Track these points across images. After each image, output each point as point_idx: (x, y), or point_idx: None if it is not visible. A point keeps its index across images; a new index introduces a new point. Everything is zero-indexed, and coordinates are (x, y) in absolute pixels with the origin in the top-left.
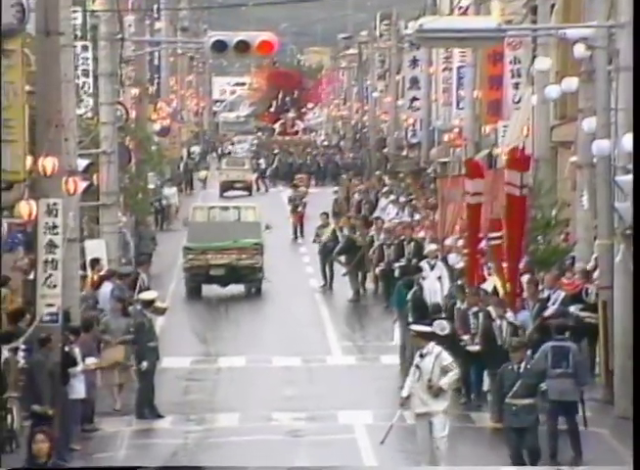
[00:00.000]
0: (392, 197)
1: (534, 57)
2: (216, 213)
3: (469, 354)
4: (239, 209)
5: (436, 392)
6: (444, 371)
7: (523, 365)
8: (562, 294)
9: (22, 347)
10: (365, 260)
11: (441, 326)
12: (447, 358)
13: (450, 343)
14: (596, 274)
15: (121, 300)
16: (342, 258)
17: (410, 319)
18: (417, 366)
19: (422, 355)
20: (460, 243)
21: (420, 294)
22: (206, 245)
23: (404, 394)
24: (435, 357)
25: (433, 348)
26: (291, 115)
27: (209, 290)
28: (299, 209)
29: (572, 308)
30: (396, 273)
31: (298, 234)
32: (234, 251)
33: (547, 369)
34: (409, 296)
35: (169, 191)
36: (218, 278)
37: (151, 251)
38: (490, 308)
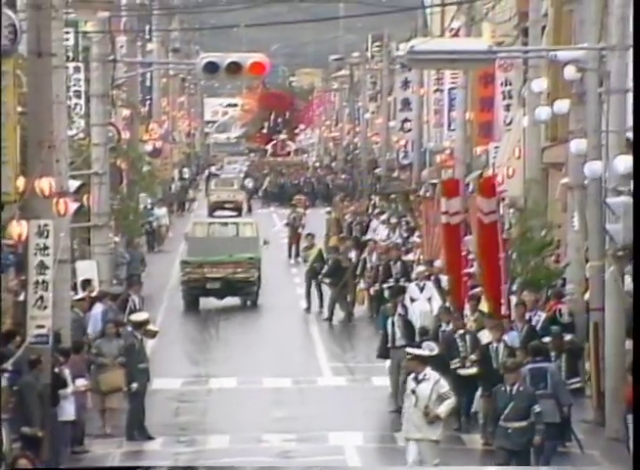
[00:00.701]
0: (383, 217)
1: (525, 79)
2: (216, 229)
3: (459, 378)
4: (237, 224)
5: (433, 419)
6: (441, 399)
7: (515, 387)
8: (542, 315)
9: (9, 368)
10: (349, 282)
11: (430, 347)
12: (445, 386)
13: (440, 366)
14: (587, 296)
15: (115, 322)
16: (328, 281)
17: (396, 342)
18: (413, 391)
19: (418, 381)
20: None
21: (405, 315)
22: (203, 259)
23: (403, 420)
24: (434, 384)
25: (429, 373)
26: (282, 136)
27: (205, 303)
28: (299, 230)
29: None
30: (386, 294)
31: (293, 254)
32: (230, 264)
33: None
34: (395, 318)
35: (160, 212)
36: (215, 291)
37: (140, 272)
38: (481, 331)
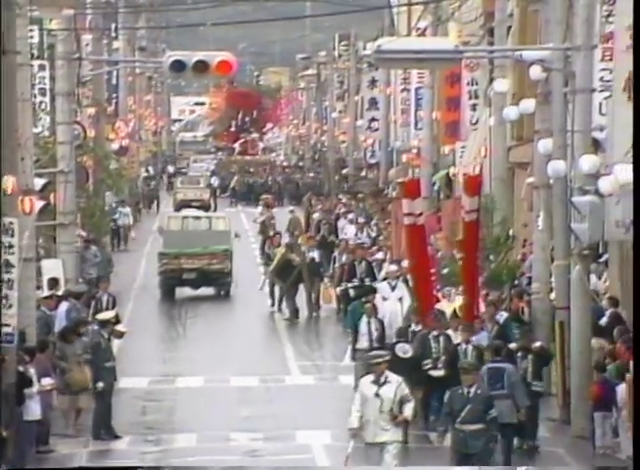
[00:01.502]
0: (351, 217)
1: (492, 78)
2: (189, 222)
3: (430, 379)
4: (210, 218)
5: (400, 423)
6: (403, 401)
7: (473, 390)
8: (504, 315)
9: None
10: (305, 280)
11: (404, 349)
12: (406, 388)
13: (411, 367)
14: (553, 295)
15: (78, 322)
16: (277, 278)
17: (373, 343)
18: (377, 394)
19: (379, 384)
20: None
21: (374, 316)
22: (179, 251)
23: (355, 424)
24: (397, 386)
25: (391, 376)
26: (250, 135)
27: (177, 295)
28: (271, 231)
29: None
30: (351, 294)
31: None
32: (205, 256)
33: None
34: (371, 318)
35: (123, 211)
36: (190, 281)
37: (108, 273)
38: (450, 332)
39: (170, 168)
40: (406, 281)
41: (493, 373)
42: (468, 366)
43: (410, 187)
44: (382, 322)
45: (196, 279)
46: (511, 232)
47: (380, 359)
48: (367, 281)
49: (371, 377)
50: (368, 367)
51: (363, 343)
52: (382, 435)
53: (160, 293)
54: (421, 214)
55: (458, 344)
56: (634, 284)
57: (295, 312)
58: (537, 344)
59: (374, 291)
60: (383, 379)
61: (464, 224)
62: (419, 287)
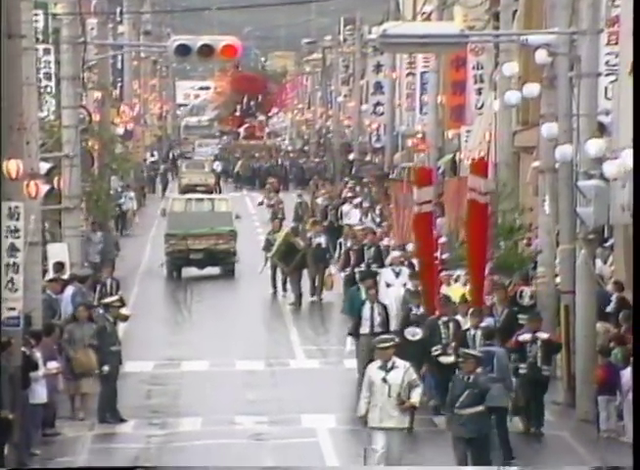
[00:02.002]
0: (356, 202)
1: (497, 63)
2: (193, 204)
3: (439, 365)
4: (212, 200)
5: (408, 408)
6: (410, 386)
7: (473, 376)
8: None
9: None
10: (310, 266)
11: (413, 332)
12: (414, 374)
13: (420, 351)
14: (558, 279)
15: (86, 305)
16: (281, 263)
17: (375, 329)
18: (384, 380)
19: (386, 369)
20: None
21: (376, 301)
22: (187, 231)
23: (364, 411)
24: (405, 372)
25: (398, 361)
26: (255, 119)
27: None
28: (279, 216)
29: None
30: (357, 279)
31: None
32: (212, 237)
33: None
34: (374, 304)
35: (128, 195)
36: (197, 261)
37: (113, 257)
38: (459, 318)
39: (174, 153)
40: (411, 266)
41: (484, 357)
42: (466, 354)
43: (422, 175)
44: (385, 307)
45: (202, 259)
46: (518, 220)
47: (388, 344)
48: (374, 267)
49: (378, 362)
50: (371, 353)
51: (365, 328)
52: (388, 420)
53: (167, 273)
54: (430, 202)
55: (467, 329)
56: (634, 268)
57: (299, 297)
58: (544, 335)
59: (375, 275)
60: (390, 364)
61: (476, 206)
62: (425, 273)
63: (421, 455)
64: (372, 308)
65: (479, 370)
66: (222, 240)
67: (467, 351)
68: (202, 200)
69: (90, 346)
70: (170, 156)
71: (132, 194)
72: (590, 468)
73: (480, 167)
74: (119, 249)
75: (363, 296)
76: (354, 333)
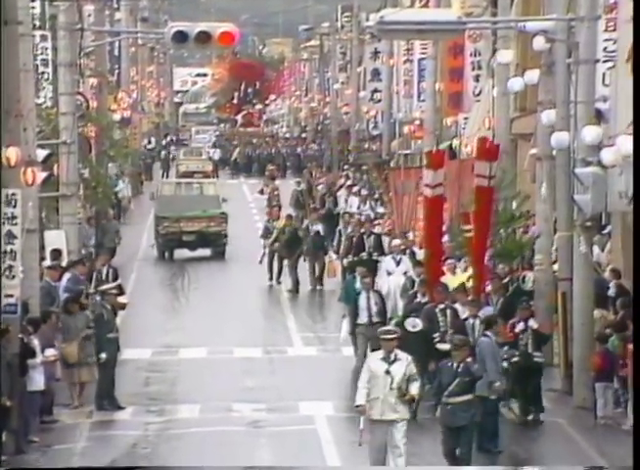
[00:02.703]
0: (355, 189)
1: (495, 49)
2: (182, 188)
3: (438, 352)
4: (201, 184)
5: (408, 400)
6: (410, 380)
7: (462, 364)
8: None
9: None
10: (309, 253)
11: (413, 323)
12: (414, 367)
13: (421, 341)
14: (555, 266)
15: (77, 293)
16: (285, 251)
17: (372, 318)
18: (387, 372)
19: (389, 361)
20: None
21: (379, 290)
22: (179, 214)
23: (362, 401)
24: (407, 365)
25: (400, 353)
26: (253, 106)
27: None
28: (275, 202)
29: None
30: (350, 267)
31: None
32: (204, 219)
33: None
34: (370, 293)
35: (122, 184)
36: (189, 243)
37: (115, 245)
38: (458, 306)
39: (171, 139)
40: (412, 254)
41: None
42: (459, 342)
43: (436, 157)
44: (381, 296)
45: (194, 241)
46: (517, 208)
47: (392, 335)
48: (375, 255)
49: (380, 354)
50: (368, 342)
51: (363, 318)
52: (390, 413)
53: (158, 254)
54: (439, 185)
55: (466, 318)
56: (634, 255)
57: (296, 284)
58: (535, 325)
59: (375, 263)
60: (393, 356)
61: (479, 191)
62: (431, 259)
63: (417, 445)
64: (368, 298)
65: (469, 359)
66: (214, 222)
67: (461, 337)
68: (190, 183)
69: (84, 337)
70: (167, 142)
71: (126, 181)
72: (590, 468)
73: (487, 151)
74: (121, 237)
75: (358, 285)
76: (351, 322)
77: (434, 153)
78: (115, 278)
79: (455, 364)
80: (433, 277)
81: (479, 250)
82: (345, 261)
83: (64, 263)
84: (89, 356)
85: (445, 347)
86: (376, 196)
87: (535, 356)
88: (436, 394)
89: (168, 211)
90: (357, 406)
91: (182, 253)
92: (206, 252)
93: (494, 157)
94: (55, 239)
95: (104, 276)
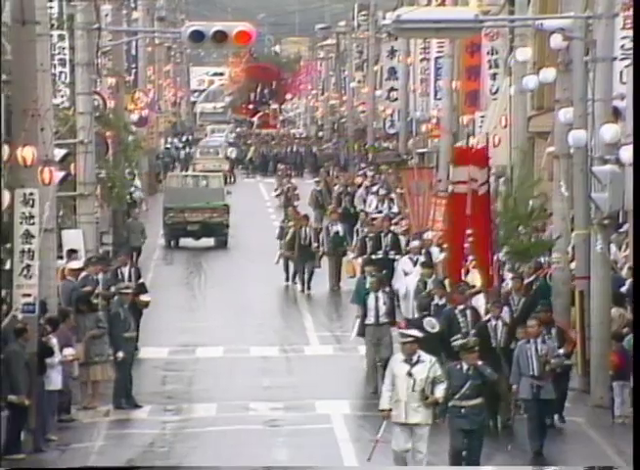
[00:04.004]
0: (374, 189)
1: (512, 48)
2: (189, 181)
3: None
4: (207, 177)
5: (432, 404)
6: (435, 382)
7: (473, 367)
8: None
9: None
10: (327, 253)
11: (431, 324)
12: (439, 369)
13: (439, 342)
14: (573, 265)
15: (86, 293)
16: (290, 252)
17: (380, 319)
18: (409, 374)
19: (412, 363)
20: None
21: (390, 291)
22: (184, 205)
23: (387, 405)
24: (430, 366)
25: (424, 355)
26: (269, 107)
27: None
28: (293, 202)
29: None
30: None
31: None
32: (207, 210)
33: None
34: (379, 293)
35: (136, 184)
36: (193, 232)
37: (141, 244)
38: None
39: (185, 139)
40: (429, 254)
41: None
42: (473, 344)
43: (460, 153)
44: (391, 297)
45: (198, 230)
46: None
47: (407, 339)
48: (392, 254)
49: (402, 356)
50: (377, 343)
51: (370, 318)
52: (414, 416)
53: (165, 242)
54: (463, 183)
55: (488, 320)
56: (634, 256)
57: (303, 283)
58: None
59: (392, 262)
60: (415, 358)
61: (474, 198)
62: (452, 259)
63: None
64: (377, 298)
65: (479, 362)
66: (216, 213)
67: (474, 339)
68: (197, 176)
69: (92, 336)
70: (183, 141)
71: (138, 182)
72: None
73: (478, 157)
74: (146, 236)
75: (367, 285)
76: (360, 323)
77: (460, 149)
78: (138, 278)
79: (465, 367)
80: (454, 278)
81: (484, 251)
82: (361, 260)
83: (81, 263)
84: (98, 355)
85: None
86: (392, 195)
87: (558, 357)
88: (446, 396)
89: (175, 203)
90: (381, 411)
91: (187, 242)
92: (210, 241)
93: (485, 163)
94: (73, 238)
95: (126, 276)
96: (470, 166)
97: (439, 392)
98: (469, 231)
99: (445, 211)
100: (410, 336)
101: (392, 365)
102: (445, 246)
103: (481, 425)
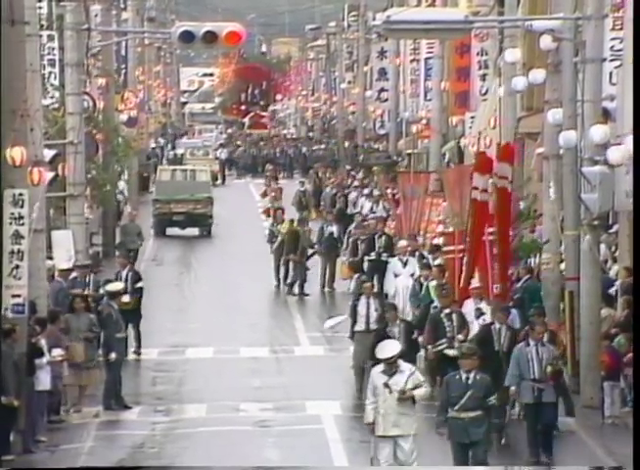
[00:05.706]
0: (366, 191)
1: (501, 48)
2: (178, 174)
3: (445, 358)
4: (194, 170)
5: (407, 400)
6: (416, 387)
7: (472, 375)
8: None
9: None
10: (321, 254)
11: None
12: (420, 376)
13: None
14: (563, 265)
15: (82, 296)
16: (291, 255)
17: (370, 325)
18: (386, 384)
19: (389, 374)
20: (439, 241)
21: (381, 295)
22: (170, 197)
23: (371, 418)
24: (409, 375)
25: (403, 365)
26: (259, 108)
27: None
28: (277, 204)
29: None
30: (365, 267)
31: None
32: (191, 202)
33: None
34: (370, 299)
35: (123, 184)
36: (179, 222)
37: (137, 247)
38: (463, 310)
39: (175, 139)
40: (422, 257)
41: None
42: (467, 351)
43: (484, 161)
44: (383, 302)
45: (183, 221)
46: (527, 208)
47: (392, 357)
48: (384, 256)
49: (381, 367)
50: (367, 351)
51: (361, 325)
52: (390, 428)
53: (153, 232)
54: (485, 191)
55: (492, 323)
56: (634, 256)
57: (291, 285)
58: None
59: (385, 264)
60: (393, 369)
61: (475, 204)
62: (473, 263)
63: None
64: (367, 304)
65: (478, 370)
66: (200, 205)
67: (470, 346)
68: (185, 170)
69: (91, 338)
70: (172, 142)
71: (122, 183)
72: (590, 468)
73: (506, 153)
74: (143, 238)
75: (356, 289)
76: (350, 330)
77: (483, 156)
78: (137, 281)
79: (464, 376)
80: (465, 282)
81: (503, 254)
82: (351, 261)
83: (71, 264)
84: (90, 361)
85: (454, 352)
86: (387, 197)
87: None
88: (444, 408)
89: (162, 195)
90: (368, 424)
91: (174, 231)
92: (194, 231)
93: (512, 159)
94: (62, 239)
95: (123, 278)
96: (501, 164)
97: (418, 391)
98: (490, 230)
99: (469, 216)
100: (393, 354)
101: (373, 376)
102: (445, 249)
103: (485, 436)
